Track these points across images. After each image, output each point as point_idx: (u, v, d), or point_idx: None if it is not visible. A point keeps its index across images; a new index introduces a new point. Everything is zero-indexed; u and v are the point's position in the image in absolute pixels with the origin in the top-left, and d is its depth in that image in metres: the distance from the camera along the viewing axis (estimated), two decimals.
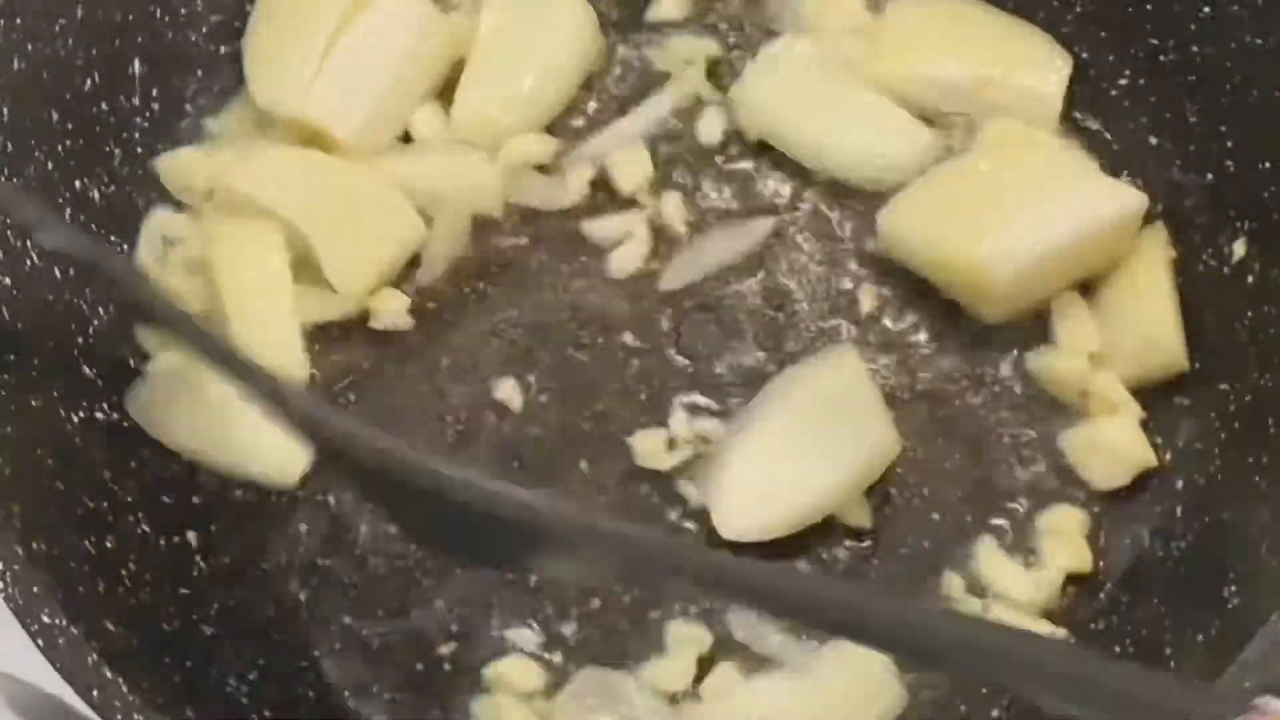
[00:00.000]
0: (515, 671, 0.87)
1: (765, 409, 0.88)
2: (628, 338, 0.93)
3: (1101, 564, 0.88)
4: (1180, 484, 0.88)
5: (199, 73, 0.97)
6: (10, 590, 0.73)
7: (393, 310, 0.92)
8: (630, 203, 0.95)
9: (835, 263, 0.94)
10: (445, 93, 0.96)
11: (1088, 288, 0.91)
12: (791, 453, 0.87)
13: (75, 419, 0.86)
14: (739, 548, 0.86)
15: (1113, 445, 0.88)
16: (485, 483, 0.61)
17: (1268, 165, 0.88)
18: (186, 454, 0.89)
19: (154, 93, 0.94)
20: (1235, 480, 0.85)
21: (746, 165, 0.96)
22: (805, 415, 0.88)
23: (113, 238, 0.92)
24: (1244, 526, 0.82)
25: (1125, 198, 0.90)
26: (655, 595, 0.87)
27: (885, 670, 0.85)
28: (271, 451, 0.88)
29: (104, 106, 0.90)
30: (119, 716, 0.72)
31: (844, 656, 0.85)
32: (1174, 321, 0.89)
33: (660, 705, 0.86)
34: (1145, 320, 0.90)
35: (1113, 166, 0.95)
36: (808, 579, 0.79)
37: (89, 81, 0.89)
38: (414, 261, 0.94)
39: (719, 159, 0.96)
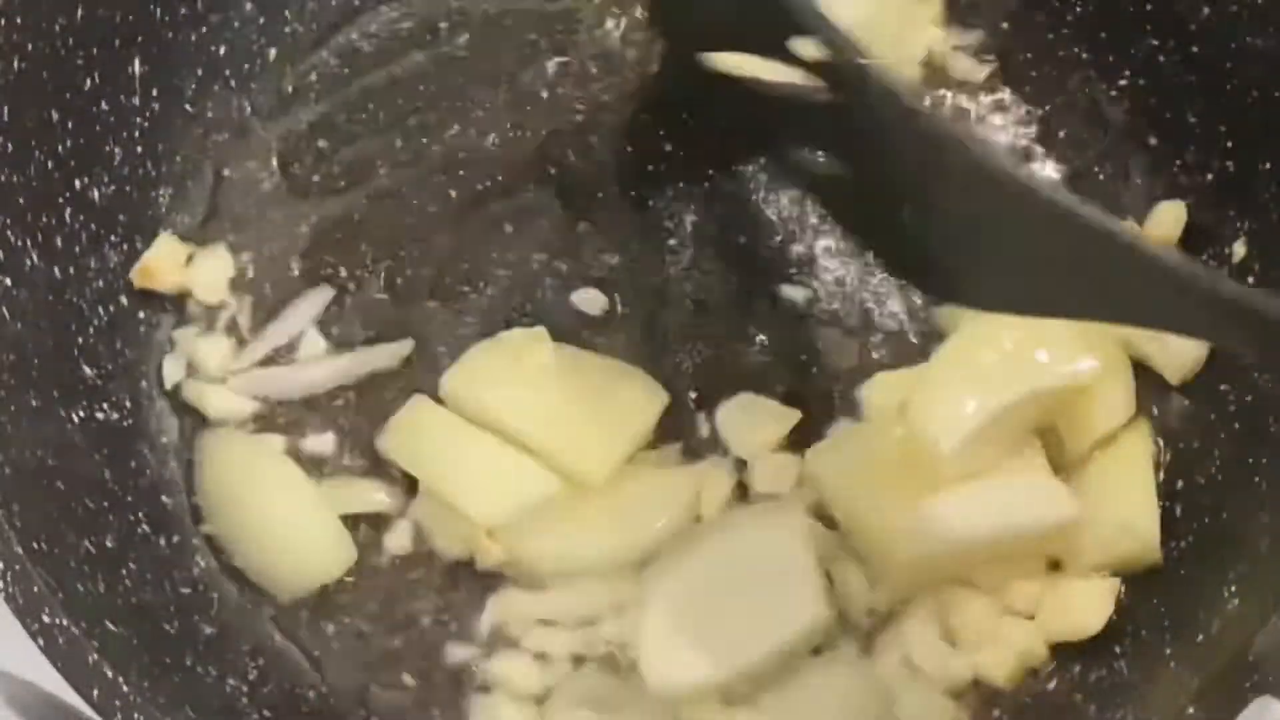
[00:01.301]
0: (515, 672, 0.87)
1: (693, 557, 0.86)
2: None
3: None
4: (1180, 484, 0.88)
5: (199, 73, 0.97)
6: (10, 590, 0.73)
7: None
8: None
9: None
10: None
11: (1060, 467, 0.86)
12: (713, 611, 0.84)
13: (75, 419, 0.86)
14: None
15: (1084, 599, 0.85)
16: None
17: (1268, 165, 0.88)
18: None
19: (154, 93, 0.94)
20: (1235, 480, 0.85)
21: None
22: (731, 571, 0.85)
23: (112, 238, 0.92)
24: (1244, 526, 0.82)
25: (1061, 505, 0.84)
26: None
27: (867, 691, 0.84)
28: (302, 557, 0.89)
29: (104, 106, 0.90)
30: (119, 716, 0.72)
31: (827, 679, 0.84)
32: (1153, 514, 0.86)
33: (657, 712, 0.85)
34: (1124, 509, 0.85)
35: (1113, 167, 0.95)
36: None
37: (89, 81, 0.88)
38: None
39: None
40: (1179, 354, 0.89)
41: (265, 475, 0.90)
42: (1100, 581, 0.86)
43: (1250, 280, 0.88)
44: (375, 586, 0.89)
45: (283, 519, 0.89)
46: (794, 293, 0.93)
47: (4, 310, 0.82)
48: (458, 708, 0.87)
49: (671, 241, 0.95)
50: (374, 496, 0.90)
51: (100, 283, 0.91)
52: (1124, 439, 0.87)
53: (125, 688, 0.73)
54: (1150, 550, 0.85)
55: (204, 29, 0.96)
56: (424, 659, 0.88)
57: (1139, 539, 0.85)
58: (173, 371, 0.93)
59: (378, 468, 0.91)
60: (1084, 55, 0.97)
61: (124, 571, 0.83)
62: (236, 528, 0.89)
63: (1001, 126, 0.97)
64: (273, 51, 0.99)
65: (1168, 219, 0.92)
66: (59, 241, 0.87)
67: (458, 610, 0.89)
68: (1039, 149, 0.97)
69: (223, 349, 0.93)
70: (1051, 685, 0.86)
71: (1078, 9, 0.97)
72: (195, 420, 0.92)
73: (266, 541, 0.88)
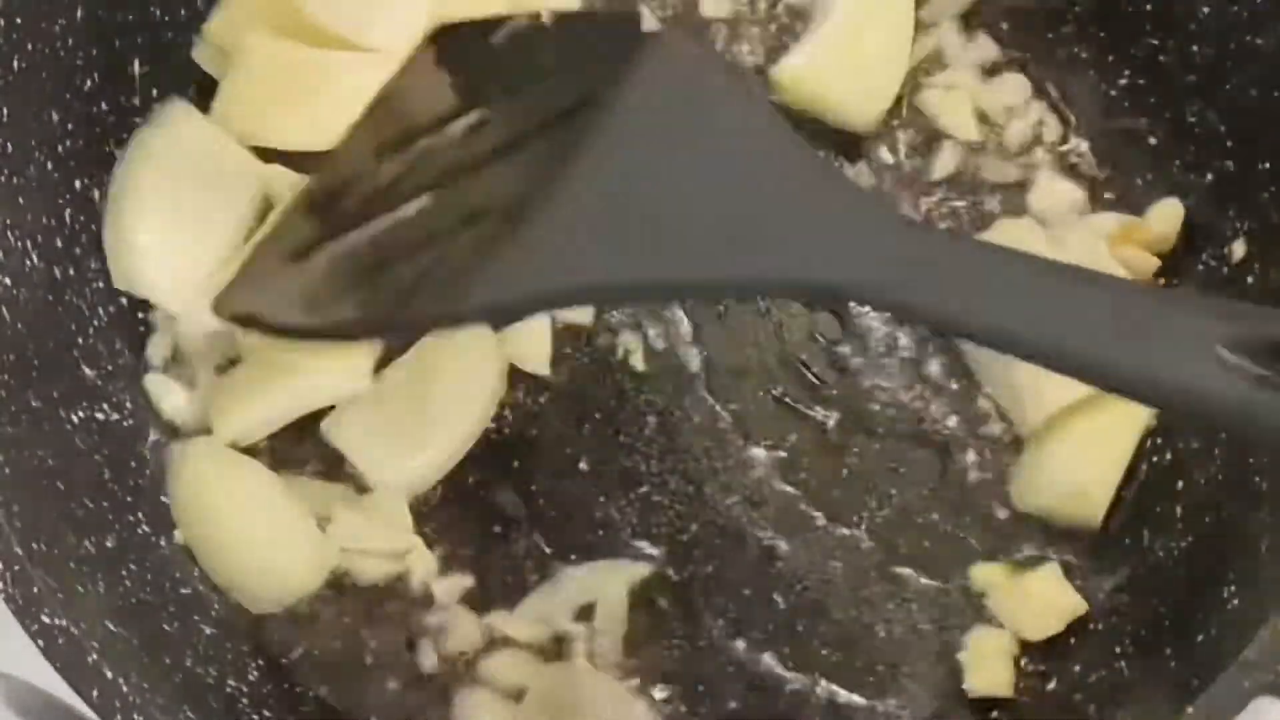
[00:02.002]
0: (501, 668, 0.87)
1: None
2: None
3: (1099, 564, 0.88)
4: (1180, 484, 0.88)
5: (199, 73, 0.97)
6: (10, 590, 0.73)
7: None
8: None
9: None
10: None
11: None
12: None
13: (75, 419, 0.86)
14: None
15: (1040, 595, 0.87)
16: None
17: (1268, 165, 0.88)
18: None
19: (154, 93, 0.94)
20: (1235, 480, 0.85)
21: None
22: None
23: None
24: (1244, 526, 0.82)
25: None
26: None
27: None
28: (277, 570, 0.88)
29: (104, 106, 0.90)
30: (119, 716, 0.72)
31: None
32: (1110, 488, 0.87)
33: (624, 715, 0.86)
34: (1089, 470, 0.88)
35: (1113, 166, 0.95)
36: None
37: (89, 81, 0.88)
38: None
39: None
40: None
41: (240, 487, 0.88)
42: (1055, 582, 0.87)
43: (1250, 280, 0.88)
44: (375, 586, 0.89)
45: (259, 533, 0.87)
46: None
47: (4, 310, 0.81)
48: (454, 707, 0.87)
49: None
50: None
51: (100, 283, 0.91)
52: (1118, 410, 0.88)
53: (125, 688, 0.73)
54: (1091, 521, 0.87)
55: (204, 29, 0.96)
56: (423, 658, 0.88)
57: (1086, 506, 0.87)
58: (155, 354, 0.92)
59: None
60: (1084, 55, 0.97)
61: (124, 571, 0.83)
62: (211, 541, 0.88)
63: None
64: None
65: (1166, 218, 0.92)
66: (59, 241, 0.87)
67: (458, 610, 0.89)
68: None
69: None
70: (1051, 685, 0.86)
71: (1078, 9, 0.97)
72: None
73: (242, 556, 0.87)
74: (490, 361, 0.90)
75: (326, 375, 0.88)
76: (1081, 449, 0.88)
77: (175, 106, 0.92)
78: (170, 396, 0.91)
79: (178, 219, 0.89)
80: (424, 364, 0.89)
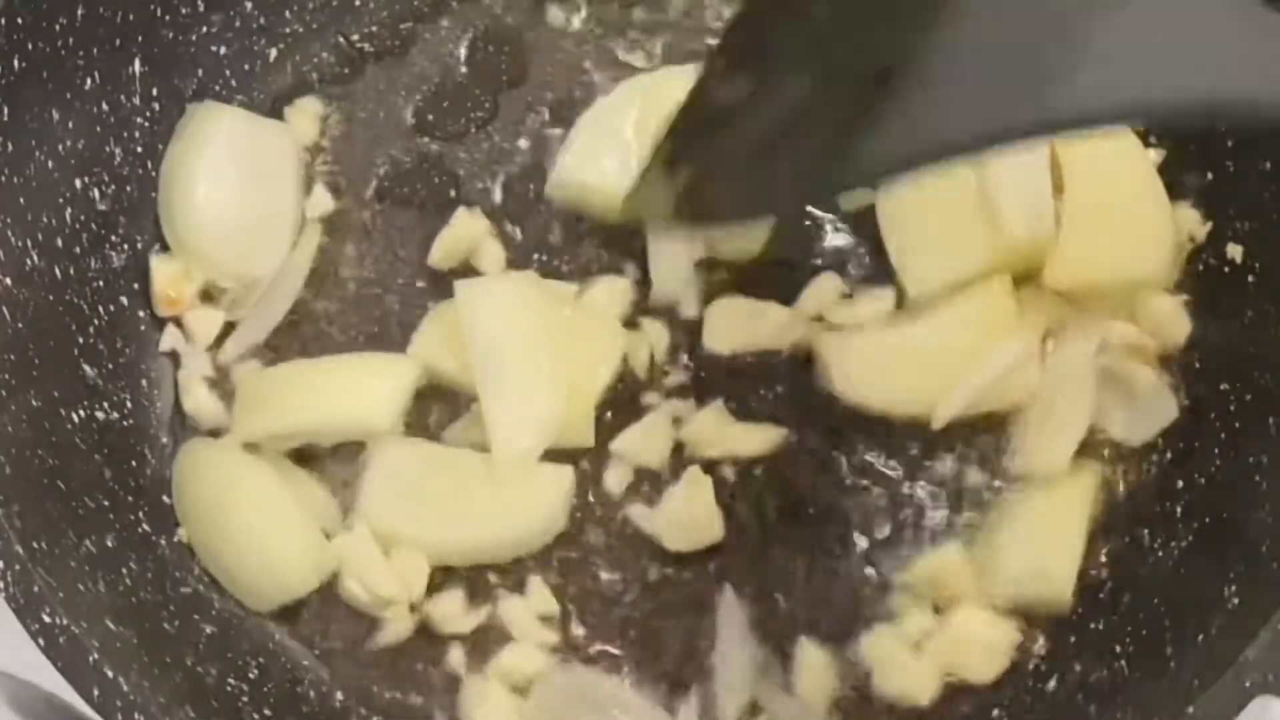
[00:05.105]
0: (507, 660, 0.87)
1: None
2: None
3: (1102, 563, 0.88)
4: (1180, 484, 0.88)
5: (199, 73, 0.97)
6: (10, 590, 0.73)
7: None
8: None
9: None
10: None
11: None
12: None
13: (75, 419, 0.86)
14: None
15: (980, 639, 0.86)
16: None
17: (1268, 165, 0.88)
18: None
19: (154, 93, 0.94)
20: (1235, 480, 0.85)
21: None
22: None
23: (112, 238, 0.92)
24: (1244, 526, 0.82)
25: None
26: None
27: None
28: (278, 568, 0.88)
29: (104, 106, 0.90)
30: (119, 716, 0.72)
31: None
32: (1073, 562, 0.86)
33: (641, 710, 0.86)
34: (1045, 552, 0.87)
35: None
36: None
37: (89, 81, 0.89)
38: None
39: None
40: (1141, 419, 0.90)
41: (244, 485, 0.88)
42: (1001, 627, 0.86)
43: (1250, 280, 0.88)
44: None
45: (261, 532, 0.87)
46: None
47: (4, 310, 0.82)
48: (460, 701, 0.87)
49: None
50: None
51: (100, 283, 0.91)
52: (1068, 482, 0.88)
53: (125, 688, 0.73)
54: (1061, 598, 0.86)
55: (204, 29, 0.97)
56: (423, 657, 0.88)
57: (1052, 584, 0.86)
58: (167, 342, 0.93)
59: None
60: None
61: (124, 571, 0.83)
62: (213, 538, 0.88)
63: None
64: (273, 51, 1.00)
65: (1171, 321, 0.91)
66: (59, 241, 0.87)
67: (454, 604, 0.89)
68: None
69: (217, 321, 0.94)
70: (1051, 685, 0.86)
71: None
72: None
73: (244, 553, 0.87)
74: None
75: (353, 410, 0.89)
76: (1035, 535, 0.87)
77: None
78: (194, 392, 0.92)
79: (231, 180, 0.94)
80: None
